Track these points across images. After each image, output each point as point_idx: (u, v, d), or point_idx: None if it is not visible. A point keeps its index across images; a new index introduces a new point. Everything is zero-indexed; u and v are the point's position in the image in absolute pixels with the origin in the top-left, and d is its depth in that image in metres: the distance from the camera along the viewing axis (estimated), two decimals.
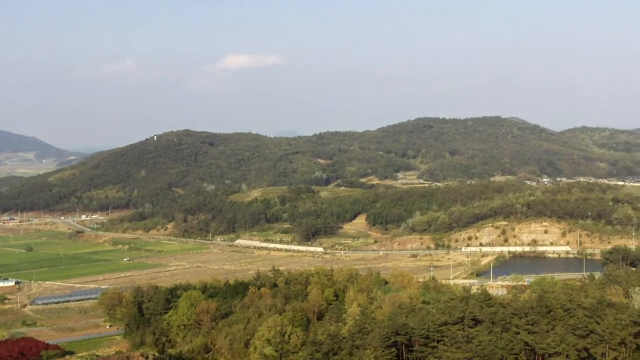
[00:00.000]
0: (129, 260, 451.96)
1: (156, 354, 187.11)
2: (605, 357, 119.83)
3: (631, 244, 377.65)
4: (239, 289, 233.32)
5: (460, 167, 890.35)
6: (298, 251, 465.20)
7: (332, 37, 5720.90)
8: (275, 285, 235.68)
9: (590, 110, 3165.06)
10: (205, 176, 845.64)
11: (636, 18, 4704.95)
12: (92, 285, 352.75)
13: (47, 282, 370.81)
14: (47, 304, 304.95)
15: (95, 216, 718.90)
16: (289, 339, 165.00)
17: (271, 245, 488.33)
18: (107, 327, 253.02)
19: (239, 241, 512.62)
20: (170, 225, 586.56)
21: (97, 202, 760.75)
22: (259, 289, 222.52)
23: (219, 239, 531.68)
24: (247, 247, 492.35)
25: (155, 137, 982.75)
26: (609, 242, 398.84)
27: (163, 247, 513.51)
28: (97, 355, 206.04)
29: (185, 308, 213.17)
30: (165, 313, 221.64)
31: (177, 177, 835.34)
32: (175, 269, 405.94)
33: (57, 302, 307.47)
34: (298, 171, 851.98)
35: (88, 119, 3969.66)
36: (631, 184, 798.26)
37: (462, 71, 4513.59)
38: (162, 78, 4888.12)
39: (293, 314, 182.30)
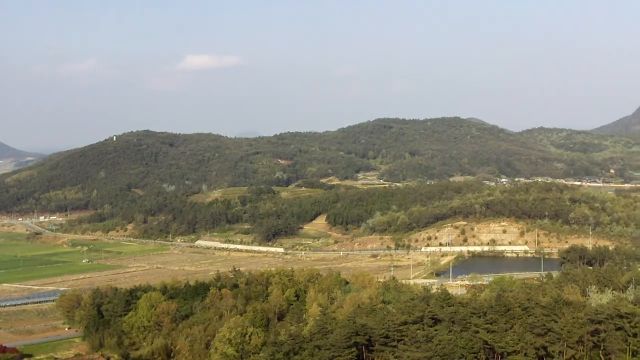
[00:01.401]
0: (88, 262, 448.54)
1: (116, 357, 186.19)
2: (562, 355, 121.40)
3: (588, 243, 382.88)
4: (199, 290, 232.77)
5: (419, 167, 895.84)
6: (259, 252, 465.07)
7: (292, 38, 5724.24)
8: (236, 286, 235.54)
9: (548, 112, 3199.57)
10: (165, 177, 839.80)
11: (591, 20, 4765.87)
12: (50, 287, 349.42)
13: (4, 285, 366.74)
14: (5, 306, 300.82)
15: (53, 217, 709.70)
16: (250, 340, 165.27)
17: (232, 246, 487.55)
18: (66, 329, 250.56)
19: (199, 242, 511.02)
20: (130, 227, 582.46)
21: (55, 203, 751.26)
22: (219, 290, 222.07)
23: (179, 240, 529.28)
24: (208, 248, 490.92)
25: (114, 137, 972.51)
26: (566, 242, 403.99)
27: (123, 248, 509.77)
28: (56, 358, 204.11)
29: (145, 309, 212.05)
30: (125, 315, 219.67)
31: (136, 177, 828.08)
32: (135, 270, 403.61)
33: (15, 305, 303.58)
34: (259, 172, 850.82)
35: (46, 119, 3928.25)
36: (588, 184, 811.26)
37: (421, 72, 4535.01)
38: (122, 78, 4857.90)
39: (254, 314, 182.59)
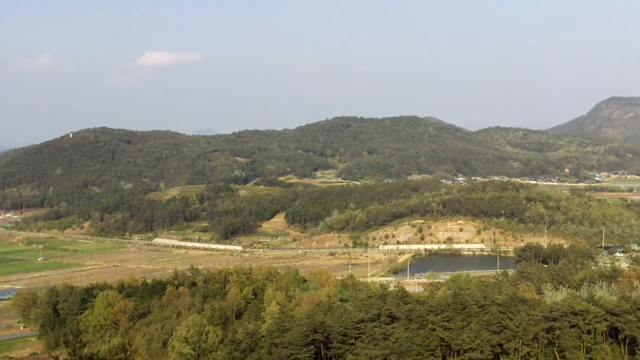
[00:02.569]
0: (44, 260, 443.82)
1: (72, 356, 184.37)
2: (518, 352, 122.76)
3: (543, 241, 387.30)
4: (156, 289, 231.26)
5: (377, 166, 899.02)
6: (217, 250, 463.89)
7: (253, 35, 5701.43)
8: (194, 284, 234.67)
9: (505, 111, 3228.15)
10: (122, 174, 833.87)
11: (545, 20, 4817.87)
12: (5, 286, 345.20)
13: None
14: None
15: (8, 215, 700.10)
16: (207, 338, 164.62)
17: (190, 244, 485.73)
18: (21, 328, 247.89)
19: (156, 240, 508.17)
20: (86, 224, 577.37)
21: (10, 201, 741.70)
22: (177, 288, 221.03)
23: (136, 238, 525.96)
24: (165, 246, 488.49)
25: (71, 134, 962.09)
26: (522, 240, 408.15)
27: (79, 246, 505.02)
28: (11, 357, 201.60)
29: (101, 308, 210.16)
30: (81, 313, 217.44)
31: (93, 175, 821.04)
32: (91, 269, 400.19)
33: None
34: (217, 170, 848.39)
35: (0, 115, 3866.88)
36: (543, 182, 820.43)
37: (380, 71, 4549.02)
38: (78, 74, 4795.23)
39: (211, 312, 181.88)
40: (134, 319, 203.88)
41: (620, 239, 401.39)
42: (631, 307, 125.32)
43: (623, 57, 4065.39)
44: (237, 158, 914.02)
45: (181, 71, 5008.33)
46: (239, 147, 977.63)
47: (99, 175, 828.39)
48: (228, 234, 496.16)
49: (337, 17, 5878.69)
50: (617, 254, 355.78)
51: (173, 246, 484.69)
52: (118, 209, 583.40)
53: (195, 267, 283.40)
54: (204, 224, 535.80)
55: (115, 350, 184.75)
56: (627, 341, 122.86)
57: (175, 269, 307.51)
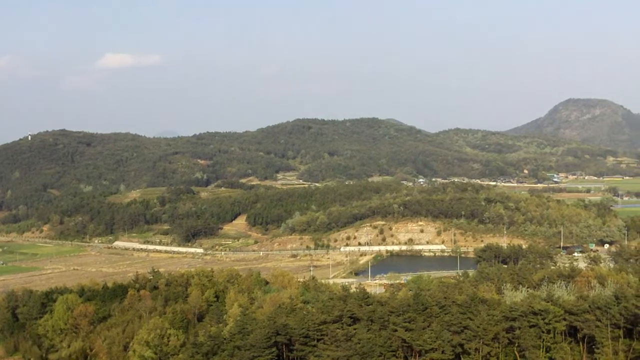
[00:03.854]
0: (2, 264, 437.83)
1: None
2: (478, 352, 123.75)
3: (502, 242, 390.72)
4: (117, 292, 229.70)
5: (338, 167, 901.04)
6: (178, 252, 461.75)
7: (215, 37, 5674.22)
8: (155, 287, 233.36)
9: (464, 113, 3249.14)
10: (82, 177, 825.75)
11: (505, 22, 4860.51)
12: None
13: None
14: None
15: None
16: (169, 341, 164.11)
17: (151, 247, 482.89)
18: None
19: (117, 243, 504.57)
20: (45, 228, 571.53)
21: None
22: (138, 291, 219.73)
23: (96, 241, 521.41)
24: (126, 249, 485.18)
25: (29, 137, 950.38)
26: (482, 241, 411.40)
27: (38, 249, 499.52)
28: None
29: (61, 312, 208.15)
30: (41, 318, 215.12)
31: (52, 178, 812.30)
32: (51, 272, 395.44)
33: None
34: (178, 172, 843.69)
35: None
36: (502, 184, 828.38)
37: (341, 73, 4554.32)
38: (37, 76, 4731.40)
39: (173, 315, 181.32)
40: (94, 323, 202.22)
41: (579, 239, 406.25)
42: (589, 306, 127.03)
43: (581, 59, 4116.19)
44: (198, 160, 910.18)
45: (142, 73, 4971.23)
46: (200, 149, 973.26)
47: (58, 178, 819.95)
48: (189, 237, 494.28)
49: (299, 19, 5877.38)
50: (576, 254, 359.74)
51: (134, 249, 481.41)
52: (78, 212, 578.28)
53: (156, 270, 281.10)
54: (165, 226, 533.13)
55: (75, 355, 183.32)
56: (585, 340, 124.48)
57: (137, 272, 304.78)
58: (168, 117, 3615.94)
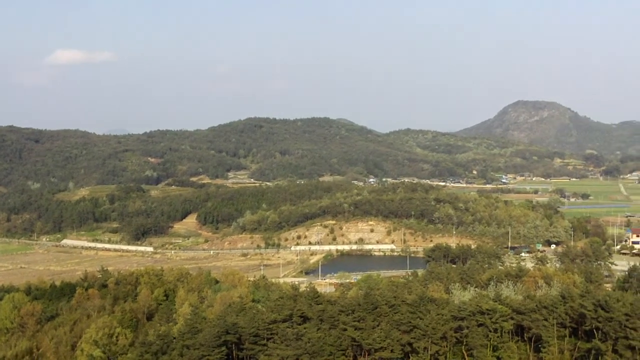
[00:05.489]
0: None
1: None
2: (427, 351, 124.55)
3: (451, 241, 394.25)
4: (65, 291, 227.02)
5: (290, 166, 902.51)
6: (127, 251, 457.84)
7: (167, 35, 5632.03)
8: (104, 286, 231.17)
9: (415, 113, 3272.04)
10: (30, 174, 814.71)
11: (454, 24, 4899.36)
12: None
13: None
14: None
15: None
16: (117, 340, 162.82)
17: (99, 245, 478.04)
18: None
19: (65, 241, 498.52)
20: None
21: None
22: (86, 290, 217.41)
23: (44, 239, 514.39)
24: (75, 247, 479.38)
25: None
26: (431, 240, 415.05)
27: None
28: None
29: (7, 311, 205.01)
30: None
31: (0, 174, 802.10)
32: None
33: None
34: (128, 170, 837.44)
35: None
36: (452, 184, 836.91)
37: (293, 73, 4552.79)
38: None
39: (122, 314, 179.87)
40: (41, 322, 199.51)
41: (526, 239, 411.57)
42: (536, 305, 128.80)
43: (529, 61, 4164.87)
44: (149, 158, 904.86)
45: (93, 69, 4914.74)
46: (150, 147, 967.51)
47: (5, 174, 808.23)
48: (139, 235, 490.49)
49: (251, 18, 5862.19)
50: (523, 254, 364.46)
51: (82, 247, 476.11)
52: (25, 210, 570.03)
53: (105, 268, 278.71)
54: (115, 224, 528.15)
55: (22, 354, 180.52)
56: (532, 339, 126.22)
57: (85, 270, 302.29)
58: (118, 115, 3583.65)
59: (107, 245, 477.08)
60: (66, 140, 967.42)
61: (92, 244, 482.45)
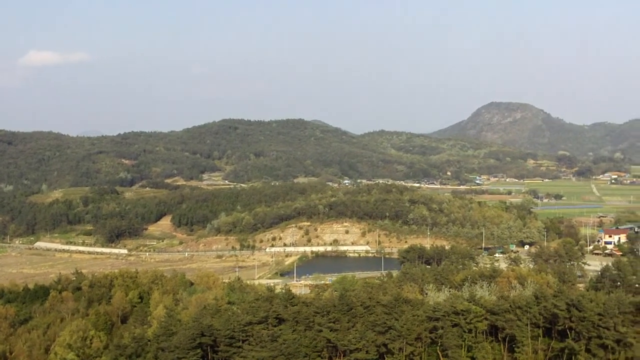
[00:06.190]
0: None
1: None
2: (402, 351, 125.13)
3: (426, 242, 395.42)
4: (39, 294, 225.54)
5: (264, 168, 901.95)
6: (101, 253, 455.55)
7: (142, 36, 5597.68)
8: (78, 288, 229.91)
9: (389, 115, 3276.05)
10: (2, 176, 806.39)
11: (425, 25, 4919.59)
12: None
13: None
14: None
15: None
16: (92, 343, 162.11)
17: (73, 248, 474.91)
18: None
19: (39, 244, 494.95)
20: None
21: None
22: (60, 292, 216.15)
23: (17, 242, 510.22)
24: (48, 249, 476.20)
25: None
26: (406, 242, 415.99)
27: None
28: None
29: None
30: None
31: None
32: None
33: None
34: (102, 172, 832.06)
35: None
36: (426, 185, 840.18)
37: (268, 73, 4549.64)
38: None
39: (96, 317, 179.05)
40: (15, 325, 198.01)
41: (500, 240, 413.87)
42: (510, 306, 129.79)
43: (502, 62, 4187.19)
44: (123, 160, 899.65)
45: (66, 71, 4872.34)
46: (124, 148, 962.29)
47: None
48: (113, 237, 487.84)
49: (226, 20, 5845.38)
50: (497, 255, 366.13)
51: (56, 250, 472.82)
52: None
53: (79, 271, 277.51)
54: (89, 227, 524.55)
55: None
56: (506, 339, 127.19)
57: (59, 273, 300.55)
58: (91, 116, 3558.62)
59: (81, 248, 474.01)
60: (39, 142, 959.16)
61: (66, 247, 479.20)
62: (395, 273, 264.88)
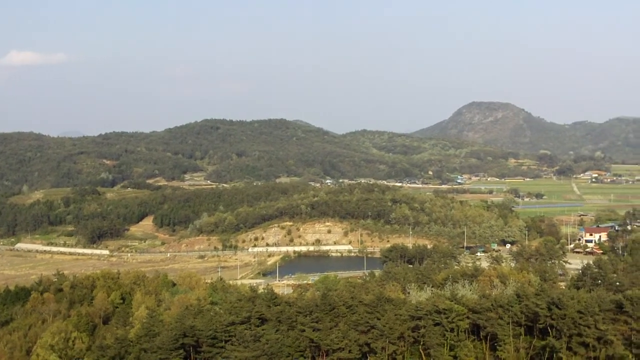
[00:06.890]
0: None
1: None
2: (385, 351, 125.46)
3: (408, 242, 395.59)
4: (20, 295, 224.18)
5: (246, 168, 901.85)
6: (83, 254, 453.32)
7: (123, 36, 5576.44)
8: (59, 290, 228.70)
9: (371, 115, 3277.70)
10: None
11: (406, 25, 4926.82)
12: None
13: None
14: None
15: None
16: (74, 345, 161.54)
17: (55, 249, 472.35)
18: None
19: (19, 245, 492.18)
20: None
21: None
22: (42, 294, 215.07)
23: None
24: (29, 251, 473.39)
25: None
26: (388, 241, 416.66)
27: None
28: None
29: None
30: None
31: None
32: None
33: None
34: (83, 172, 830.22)
35: None
36: (408, 185, 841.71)
37: (249, 73, 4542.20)
38: None
39: (78, 318, 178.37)
40: None
41: (481, 239, 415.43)
42: (492, 304, 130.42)
43: (483, 62, 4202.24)
44: (104, 160, 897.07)
45: (46, 71, 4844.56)
46: (105, 149, 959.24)
47: None
48: (95, 238, 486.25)
49: (206, 19, 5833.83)
50: (478, 254, 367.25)
51: (37, 251, 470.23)
52: None
53: (60, 272, 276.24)
54: (70, 228, 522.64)
55: None
56: (488, 338, 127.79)
57: (40, 274, 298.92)
58: (72, 117, 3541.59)
59: (63, 249, 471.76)
60: (20, 142, 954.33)
61: (47, 248, 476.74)
62: (377, 272, 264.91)
